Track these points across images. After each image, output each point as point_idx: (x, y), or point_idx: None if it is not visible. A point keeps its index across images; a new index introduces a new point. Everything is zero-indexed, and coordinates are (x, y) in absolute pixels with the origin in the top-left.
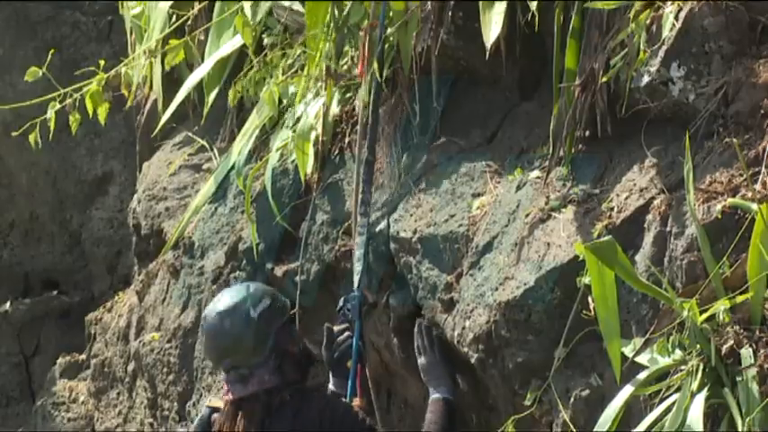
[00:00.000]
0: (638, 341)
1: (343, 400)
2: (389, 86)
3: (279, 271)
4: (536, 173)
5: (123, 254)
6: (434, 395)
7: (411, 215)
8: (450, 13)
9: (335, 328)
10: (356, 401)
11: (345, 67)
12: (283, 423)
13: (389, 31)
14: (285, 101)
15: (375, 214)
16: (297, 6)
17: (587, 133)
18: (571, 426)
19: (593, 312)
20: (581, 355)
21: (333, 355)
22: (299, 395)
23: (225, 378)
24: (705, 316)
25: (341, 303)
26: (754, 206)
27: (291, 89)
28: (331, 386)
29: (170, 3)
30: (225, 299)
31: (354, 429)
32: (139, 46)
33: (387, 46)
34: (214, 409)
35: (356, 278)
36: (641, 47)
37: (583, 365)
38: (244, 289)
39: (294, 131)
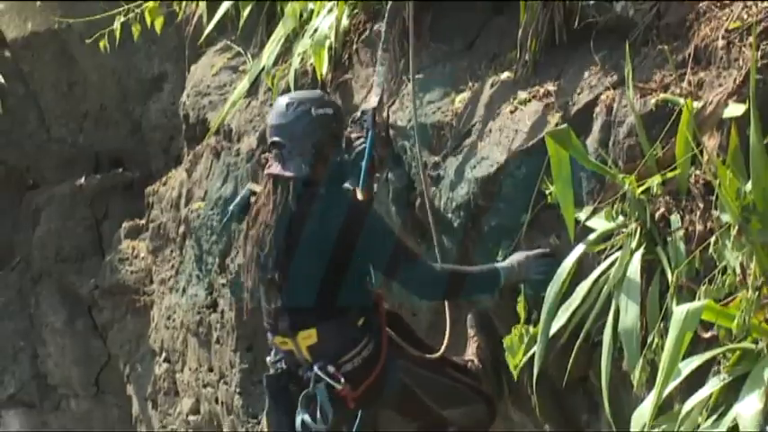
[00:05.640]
0: (589, 209)
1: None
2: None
3: None
4: (506, 74)
5: (175, 138)
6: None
7: (406, 107)
8: None
9: (353, 136)
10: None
11: None
12: (313, 211)
13: None
14: (305, 15)
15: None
16: None
17: (548, 42)
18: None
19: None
20: (543, 220)
21: (349, 157)
22: (334, 193)
23: (270, 154)
24: (642, 188)
25: (358, 114)
26: (682, 100)
27: (310, 5)
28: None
29: None
30: (304, 91)
31: (376, 228)
32: None
33: None
34: (253, 193)
35: (375, 97)
36: None
37: (544, 229)
38: (321, 94)
39: (312, 40)
